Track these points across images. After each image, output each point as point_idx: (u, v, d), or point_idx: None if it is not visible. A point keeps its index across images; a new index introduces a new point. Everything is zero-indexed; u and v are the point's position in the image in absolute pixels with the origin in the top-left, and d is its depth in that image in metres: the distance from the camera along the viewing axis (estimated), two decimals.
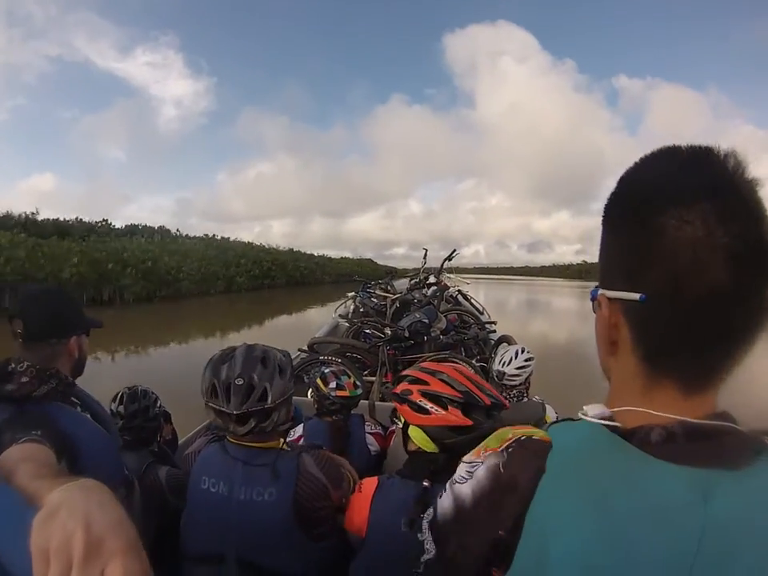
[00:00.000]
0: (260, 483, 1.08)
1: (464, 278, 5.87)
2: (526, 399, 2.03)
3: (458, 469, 0.56)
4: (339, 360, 3.39)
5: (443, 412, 1.06)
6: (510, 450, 0.49)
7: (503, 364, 2.04)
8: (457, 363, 1.21)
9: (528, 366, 2.02)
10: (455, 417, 1.05)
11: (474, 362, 3.41)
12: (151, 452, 1.59)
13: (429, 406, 1.07)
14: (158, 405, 1.68)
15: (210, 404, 1.10)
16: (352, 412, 2.01)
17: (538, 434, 0.50)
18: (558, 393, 4.24)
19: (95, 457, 1.00)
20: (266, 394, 1.08)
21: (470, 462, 0.54)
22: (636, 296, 0.42)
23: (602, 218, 0.50)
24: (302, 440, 1.90)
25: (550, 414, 2.01)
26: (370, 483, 1.11)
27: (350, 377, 1.98)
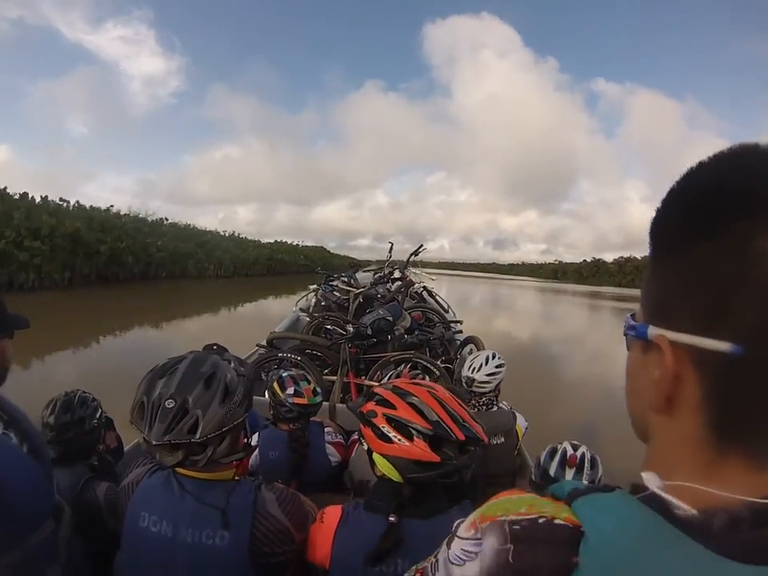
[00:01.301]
0: (210, 524, 0.92)
1: (428, 272, 5.79)
2: (495, 407, 1.95)
3: (452, 544, 0.44)
4: (299, 358, 3.22)
5: (407, 443, 0.92)
6: (518, 528, 0.38)
7: (473, 370, 1.94)
8: (434, 384, 1.05)
9: (499, 372, 1.94)
10: (420, 450, 0.91)
11: (438, 362, 3.33)
12: (90, 466, 1.43)
13: (392, 434, 0.93)
14: (98, 414, 1.50)
15: (134, 426, 0.93)
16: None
17: (560, 513, 0.37)
18: (526, 398, 4.25)
19: (16, 488, 0.85)
20: (196, 425, 0.90)
21: (466, 539, 0.42)
22: (725, 346, 0.31)
23: (652, 231, 0.38)
24: (256, 451, 1.75)
25: (520, 423, 1.95)
26: (333, 514, 0.98)
27: (309, 382, 1.84)
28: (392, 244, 5.91)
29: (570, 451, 1.34)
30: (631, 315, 0.41)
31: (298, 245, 48.68)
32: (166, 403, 0.90)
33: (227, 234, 35.39)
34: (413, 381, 1.03)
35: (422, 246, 5.35)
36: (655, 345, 0.36)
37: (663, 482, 0.36)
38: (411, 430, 0.92)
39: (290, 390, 1.77)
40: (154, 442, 0.89)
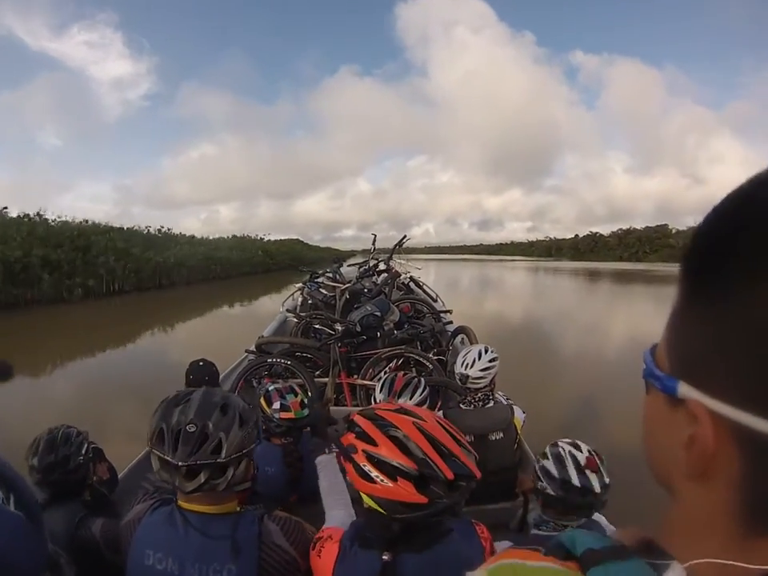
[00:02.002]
0: (217, 559, 0.93)
1: (415, 259, 5.75)
2: (491, 402, 1.89)
3: None
4: (289, 362, 3.15)
5: (391, 484, 0.82)
6: None
7: (466, 366, 1.88)
8: (422, 410, 0.96)
9: (492, 366, 1.88)
10: (405, 491, 0.82)
11: (430, 355, 3.27)
12: (82, 502, 1.39)
13: (374, 473, 0.83)
14: (84, 450, 1.43)
15: (155, 451, 0.94)
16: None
17: None
18: (521, 384, 4.21)
19: (5, 546, 0.80)
20: (220, 446, 0.92)
21: None
22: None
23: (688, 258, 0.30)
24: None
25: (518, 416, 1.90)
26: (330, 551, 0.93)
27: (296, 395, 1.77)
28: (375, 236, 5.85)
29: (579, 455, 1.26)
30: (651, 351, 0.34)
31: (261, 238, 38.50)
32: (187, 428, 0.92)
33: (152, 231, 24.81)
34: (398, 408, 0.92)
35: (405, 236, 5.31)
36: (686, 404, 0.29)
37: (672, 543, 0.31)
38: (394, 469, 0.83)
39: (276, 405, 1.70)
40: (179, 464, 0.90)
